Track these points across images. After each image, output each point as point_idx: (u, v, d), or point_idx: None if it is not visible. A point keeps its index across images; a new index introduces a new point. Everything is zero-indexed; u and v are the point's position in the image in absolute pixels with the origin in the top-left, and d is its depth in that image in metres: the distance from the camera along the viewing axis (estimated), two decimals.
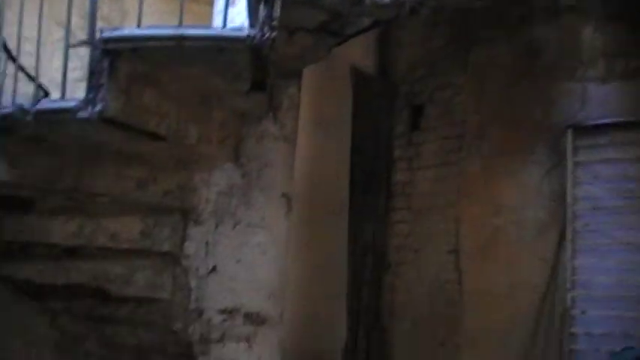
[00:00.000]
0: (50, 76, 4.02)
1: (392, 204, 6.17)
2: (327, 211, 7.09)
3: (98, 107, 2.84)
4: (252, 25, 3.28)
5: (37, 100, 3.11)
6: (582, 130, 5.30)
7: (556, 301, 4.99)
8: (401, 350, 5.99)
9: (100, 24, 3.41)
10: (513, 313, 5.11)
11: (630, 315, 4.82)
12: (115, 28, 3.25)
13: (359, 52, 6.38)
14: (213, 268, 4.07)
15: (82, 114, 2.84)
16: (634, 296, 4.85)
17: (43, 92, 3.93)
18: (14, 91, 3.39)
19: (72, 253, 4.25)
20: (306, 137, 7.19)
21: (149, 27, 3.20)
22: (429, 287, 5.72)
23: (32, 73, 3.62)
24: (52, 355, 4.89)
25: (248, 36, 3.12)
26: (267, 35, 3.11)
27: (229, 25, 3.44)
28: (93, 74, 2.91)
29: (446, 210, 5.63)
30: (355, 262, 6.01)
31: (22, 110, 3.04)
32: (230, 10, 3.50)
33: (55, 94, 3.78)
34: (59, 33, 4.49)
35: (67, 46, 3.32)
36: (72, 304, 4.76)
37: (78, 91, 3.19)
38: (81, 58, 3.92)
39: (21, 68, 3.80)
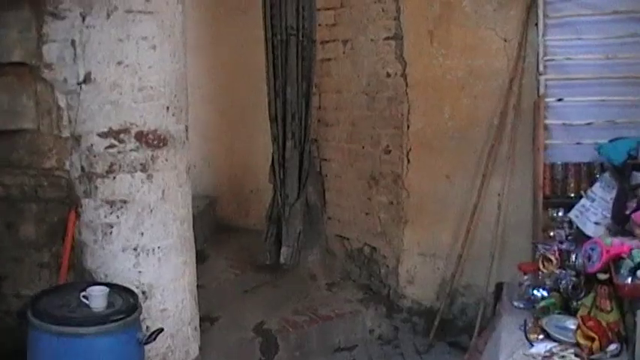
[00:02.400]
0: None
1: None
2: None
3: None
4: None
5: None
6: None
7: (525, 88, 4.25)
8: (336, 163, 5.14)
9: None
10: (472, 106, 4.35)
11: (616, 100, 4.04)
12: None
13: None
14: (87, 77, 3.07)
15: None
16: (620, 77, 4.06)
17: None
18: None
19: None
20: None
21: None
22: (366, 85, 4.77)
23: None
24: None
25: None
26: None
27: None
28: None
29: None
30: (274, 52, 4.73)
31: None
32: None
33: None
34: None
35: None
36: None
37: None
38: None
39: None
